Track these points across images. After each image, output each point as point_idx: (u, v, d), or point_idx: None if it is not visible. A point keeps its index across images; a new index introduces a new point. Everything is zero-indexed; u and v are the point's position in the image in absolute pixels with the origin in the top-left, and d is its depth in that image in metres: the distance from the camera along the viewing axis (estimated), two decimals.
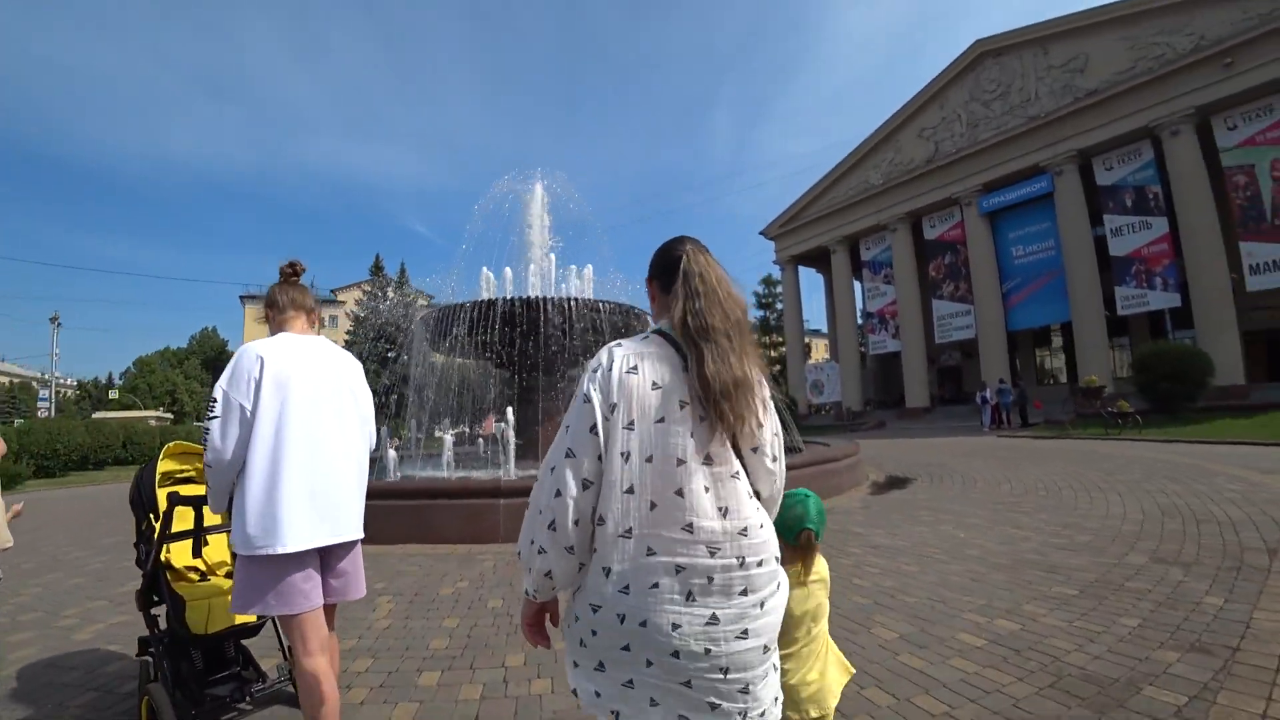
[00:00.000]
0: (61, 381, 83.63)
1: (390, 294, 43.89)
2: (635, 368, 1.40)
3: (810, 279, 41.37)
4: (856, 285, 37.97)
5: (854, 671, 2.08)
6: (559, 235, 13.59)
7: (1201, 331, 22.43)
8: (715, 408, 1.37)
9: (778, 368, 42.66)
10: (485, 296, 10.95)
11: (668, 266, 1.53)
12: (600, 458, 1.38)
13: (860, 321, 37.84)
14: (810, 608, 1.93)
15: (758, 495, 1.48)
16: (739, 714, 1.35)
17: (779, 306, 47.05)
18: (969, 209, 30.21)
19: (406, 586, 5.05)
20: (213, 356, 69.76)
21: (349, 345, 51.00)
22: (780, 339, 45.61)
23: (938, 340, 32.42)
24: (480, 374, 15.45)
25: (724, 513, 1.36)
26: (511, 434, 9.15)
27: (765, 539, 1.41)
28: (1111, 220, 25.74)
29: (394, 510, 6.84)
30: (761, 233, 40.07)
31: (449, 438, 10.27)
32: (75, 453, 21.10)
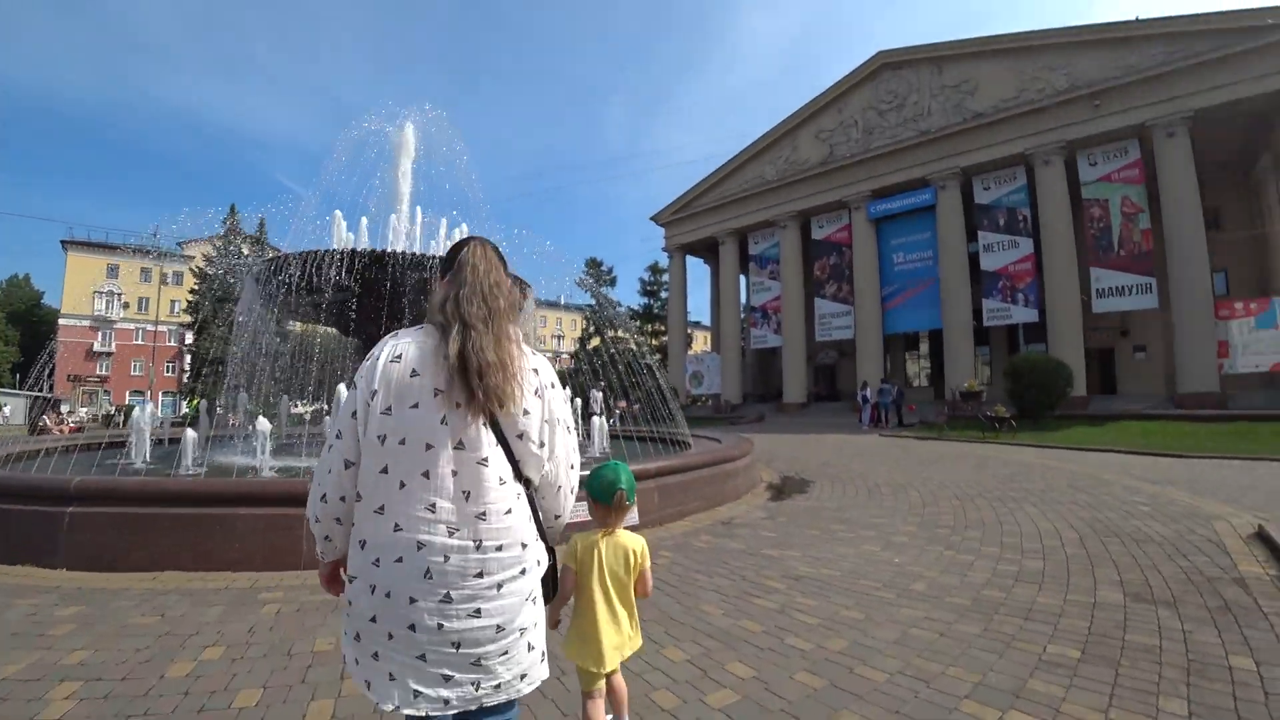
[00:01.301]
0: None
1: (245, 250, 39.37)
2: (399, 356, 1.50)
3: (696, 271, 41.65)
4: (742, 279, 38.59)
5: (640, 645, 2.31)
6: (434, 188, 11.96)
7: (1053, 346, 24.44)
8: (466, 390, 1.45)
9: (659, 357, 42.69)
10: (330, 246, 9.44)
11: (450, 261, 1.65)
12: (359, 440, 1.51)
13: (743, 315, 38.50)
14: (616, 564, 2.20)
15: (527, 481, 1.59)
16: (472, 685, 1.44)
17: (664, 295, 47.08)
18: (857, 213, 31.37)
19: (119, 659, 3.21)
20: (22, 310, 59.46)
21: (193, 306, 45.44)
22: (663, 328, 45.66)
23: (818, 338, 33.49)
24: (338, 342, 13.65)
25: (466, 496, 1.46)
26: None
27: (509, 525, 1.50)
28: (985, 237, 27.58)
29: (150, 522, 4.93)
30: (652, 218, 39.70)
31: (263, 421, 8.42)
32: None
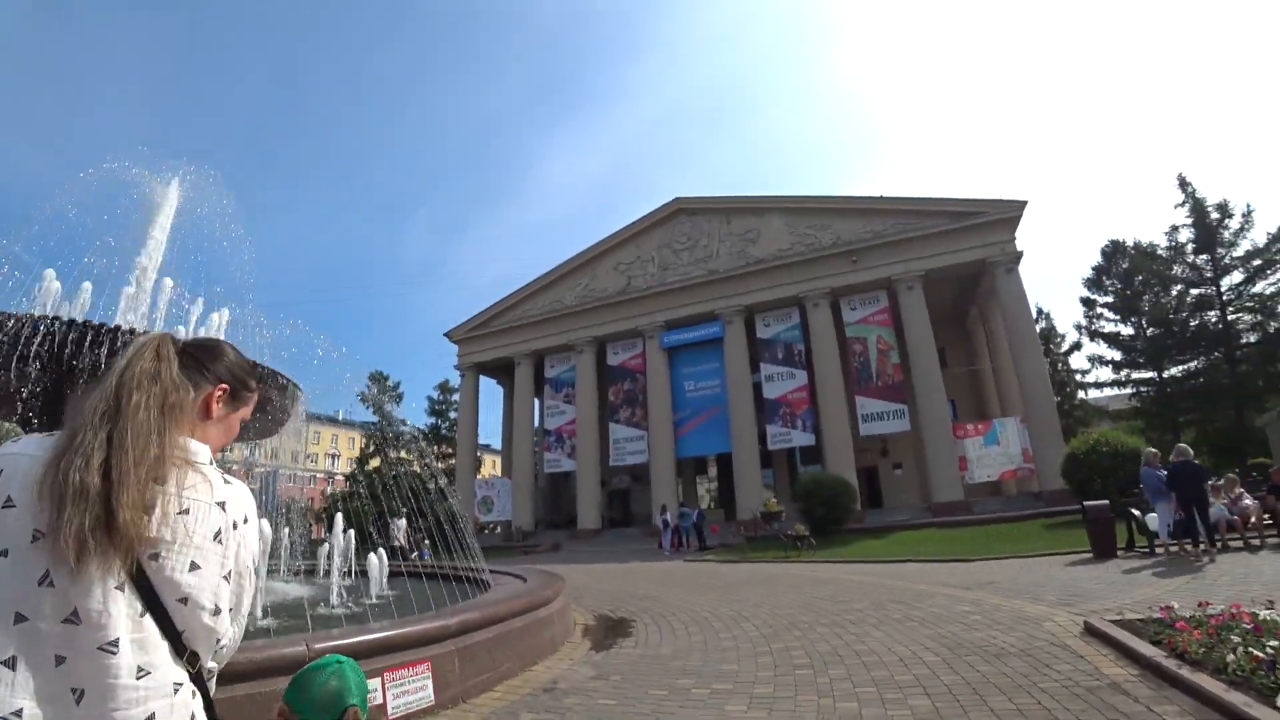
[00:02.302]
0: None
1: None
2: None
3: (488, 392, 40.41)
4: (536, 403, 38.08)
5: None
6: (197, 262, 9.50)
7: (830, 466, 26.50)
8: (81, 532, 0.97)
9: (445, 480, 39.88)
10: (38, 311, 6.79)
11: None
12: None
13: (536, 439, 37.64)
14: None
15: (193, 659, 1.13)
16: None
17: (453, 415, 44.81)
18: (651, 341, 32.82)
19: None
20: None
21: None
22: (451, 450, 43.03)
23: (612, 462, 33.42)
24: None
25: (78, 698, 0.98)
26: None
27: None
28: (766, 368, 30.08)
29: None
30: (447, 334, 38.42)
31: None
32: None
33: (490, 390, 41.08)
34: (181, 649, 1.11)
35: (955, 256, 27.51)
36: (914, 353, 27.15)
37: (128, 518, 1.00)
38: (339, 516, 10.02)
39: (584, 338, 34.61)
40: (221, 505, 1.15)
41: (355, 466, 42.24)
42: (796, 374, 29.42)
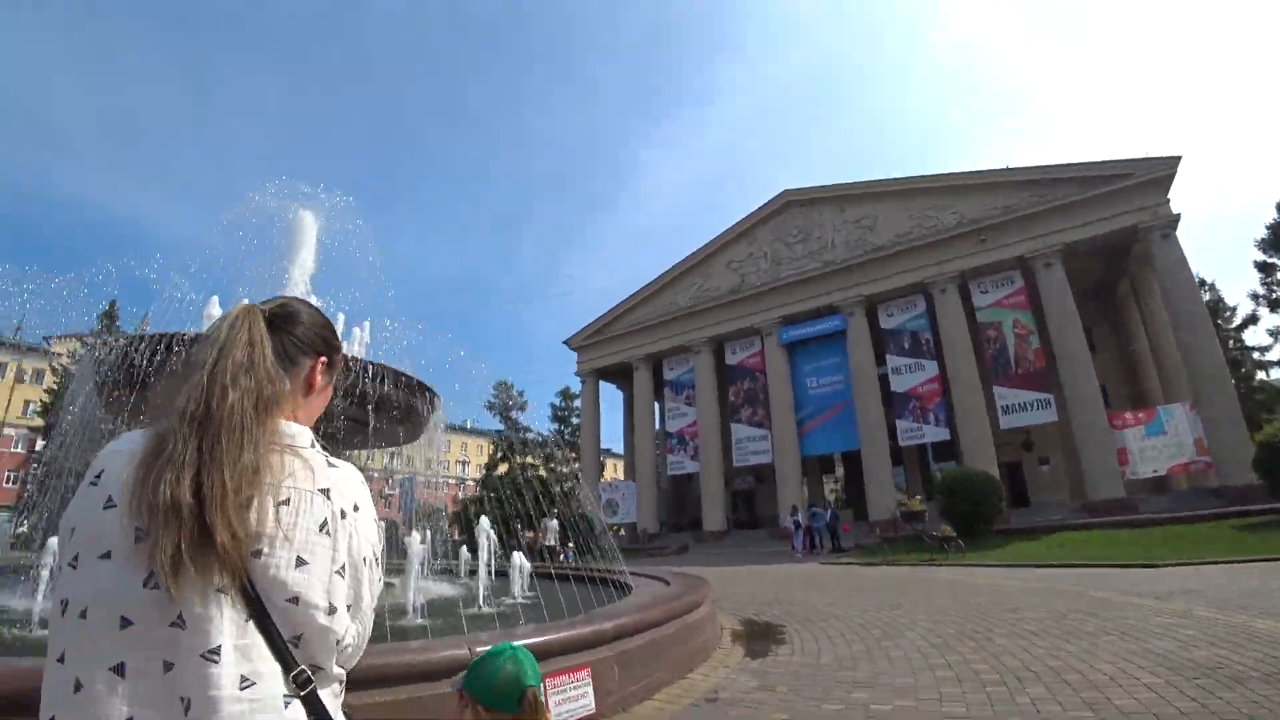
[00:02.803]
0: None
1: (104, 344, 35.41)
2: (100, 475, 1.01)
3: (609, 397, 41.13)
4: (656, 406, 38.33)
5: None
6: (337, 280, 10.30)
7: (967, 463, 24.92)
8: (177, 534, 0.92)
9: (575, 483, 41.01)
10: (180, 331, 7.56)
11: None
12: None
13: (657, 442, 37.89)
14: None
15: (310, 671, 1.01)
16: None
17: (575, 421, 46.04)
18: (769, 339, 32.20)
19: None
20: None
21: (47, 409, 40.18)
22: (575, 454, 44.23)
23: (735, 463, 33.07)
24: None
25: (186, 707, 0.91)
26: None
27: None
28: (893, 360, 28.74)
29: None
30: (566, 341, 39.42)
31: (54, 541, 6.31)
32: None
33: (611, 395, 41.81)
34: (292, 661, 1.01)
35: (1098, 226, 25.16)
36: (1057, 336, 25.06)
37: (225, 539, 0.94)
38: (484, 519, 10.13)
39: (700, 338, 34.45)
40: (325, 493, 1.06)
41: (485, 472, 44.09)
42: (926, 365, 27.94)
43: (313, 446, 1.11)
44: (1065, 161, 26.37)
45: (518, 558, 9.25)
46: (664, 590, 7.76)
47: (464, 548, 12.24)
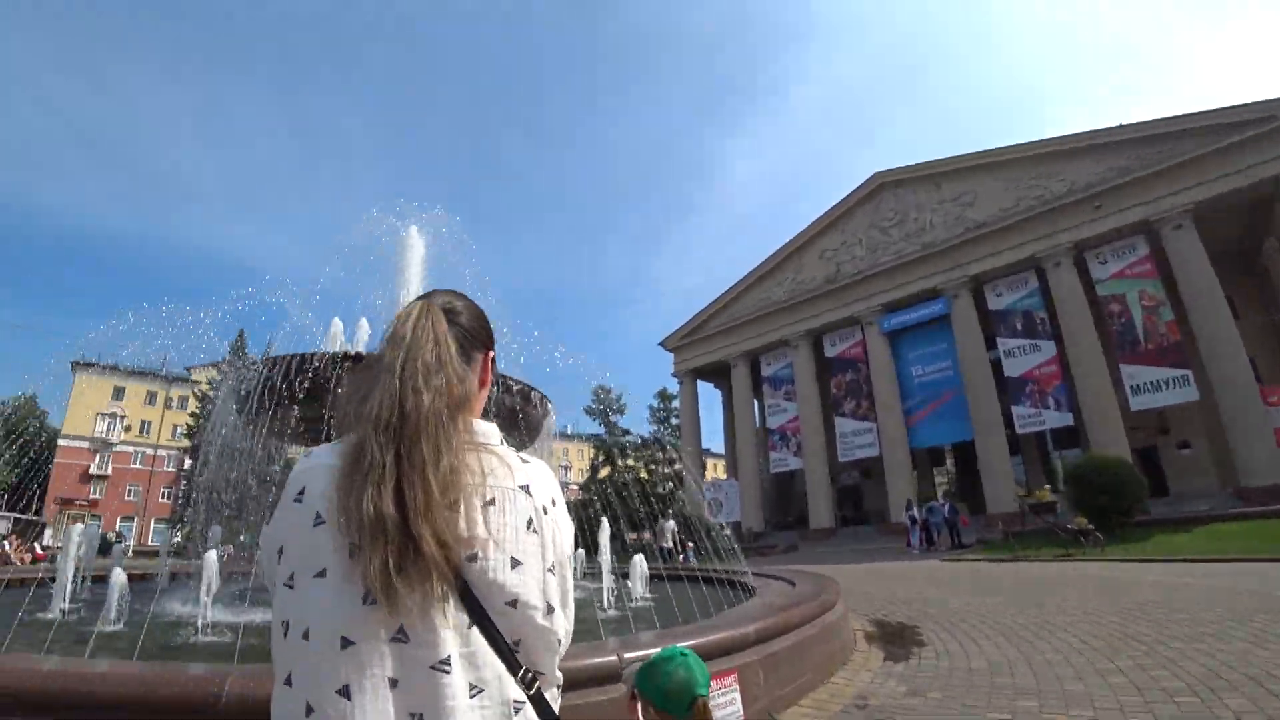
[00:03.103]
0: None
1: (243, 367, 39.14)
2: (302, 493, 1.00)
3: (707, 396, 40.96)
4: (755, 404, 37.81)
5: None
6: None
7: (1095, 450, 23.07)
8: (386, 545, 0.90)
9: (670, 485, 41.05)
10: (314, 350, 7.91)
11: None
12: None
13: (759, 439, 37.37)
14: None
15: (534, 674, 0.99)
16: None
17: (674, 421, 46.16)
18: (870, 328, 31.07)
19: None
20: (24, 429, 57.44)
21: (192, 431, 44.86)
22: (675, 455, 44.38)
23: (840, 458, 32.09)
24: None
25: None
26: None
27: None
28: (1004, 343, 27.04)
29: None
30: (661, 343, 39.62)
31: (210, 556, 6.70)
32: None
33: (709, 394, 41.63)
34: (516, 665, 0.99)
35: (1233, 180, 22.71)
36: (1193, 305, 22.77)
37: (433, 547, 0.92)
38: (605, 522, 10.30)
39: (798, 332, 33.71)
40: (526, 489, 1.04)
41: (588, 476, 44.86)
42: (1042, 346, 26.09)
43: (501, 443, 1.09)
44: (1189, 111, 23.77)
45: (639, 560, 9.13)
46: (798, 590, 7.38)
47: (579, 551, 12.55)
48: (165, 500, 56.24)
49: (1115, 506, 18.26)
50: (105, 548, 22.47)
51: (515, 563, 0.97)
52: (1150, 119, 24.85)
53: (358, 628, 0.90)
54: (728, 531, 34.83)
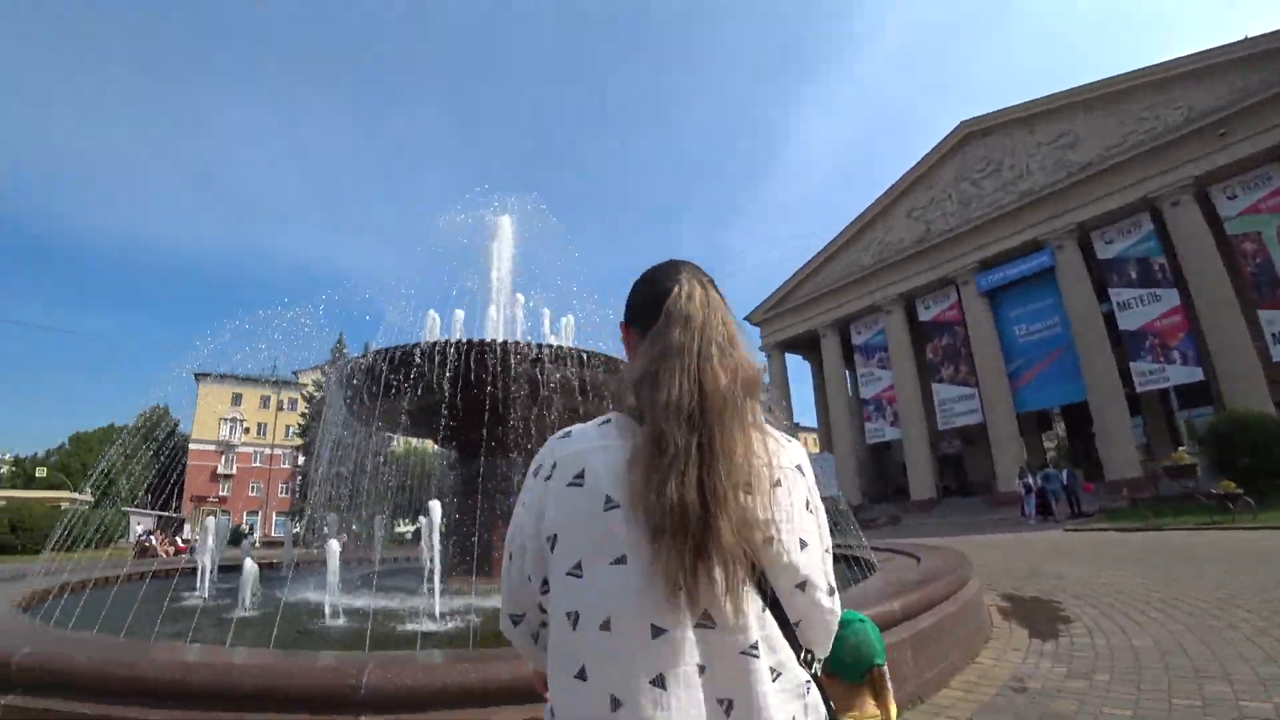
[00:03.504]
0: None
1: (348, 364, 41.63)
2: (581, 475, 0.95)
3: (796, 369, 40.05)
4: (846, 373, 36.60)
5: None
6: (532, 281, 10.51)
7: (1230, 406, 20.92)
8: (694, 529, 0.88)
9: None
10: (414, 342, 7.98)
11: (651, 304, 1.06)
12: (542, 606, 1.02)
13: (852, 410, 36.18)
14: None
15: (811, 654, 1.01)
16: None
17: (763, 398, 45.15)
18: (966, 288, 29.33)
19: None
20: (160, 438, 64.41)
21: (303, 429, 48.05)
22: None
23: (940, 426, 30.63)
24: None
25: (726, 709, 0.89)
26: (437, 541, 6.49)
27: None
28: (1118, 294, 24.92)
29: None
30: (746, 318, 38.88)
31: (333, 544, 6.82)
32: None
33: (799, 367, 40.70)
34: (798, 646, 0.99)
35: None
36: None
37: (733, 535, 0.89)
38: None
39: (889, 296, 32.28)
40: (799, 469, 1.02)
41: None
42: (1162, 295, 23.84)
43: (764, 421, 1.06)
44: None
45: None
46: (926, 565, 6.88)
47: None
48: (284, 495, 60.74)
49: (1263, 468, 16.46)
50: (236, 539, 24.33)
51: (803, 544, 0.97)
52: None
53: (667, 615, 0.88)
54: (843, 506, 34.14)
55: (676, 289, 1.04)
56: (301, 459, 48.74)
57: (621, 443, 0.96)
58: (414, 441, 15.67)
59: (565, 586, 0.93)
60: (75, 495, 36.85)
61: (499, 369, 7.18)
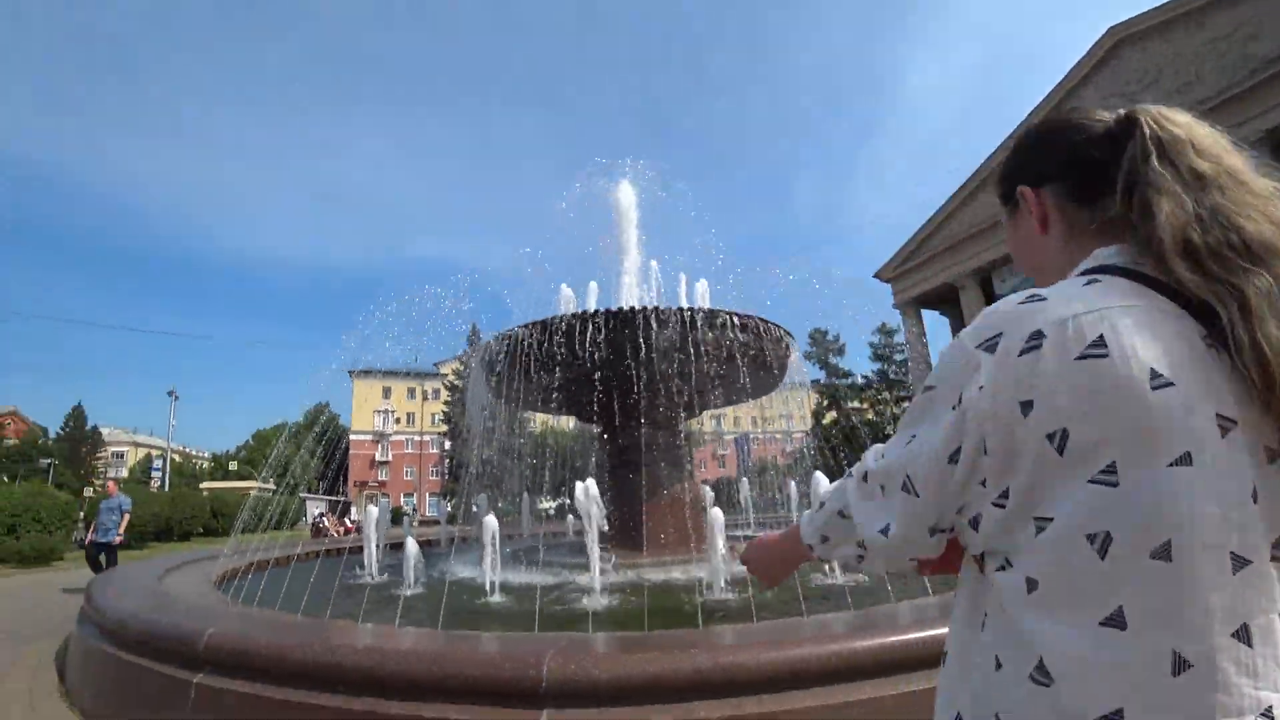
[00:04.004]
0: (196, 453, 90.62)
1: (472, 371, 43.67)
2: (1102, 341, 0.67)
3: (934, 327, 37.45)
4: None
5: None
6: (658, 249, 10.22)
7: None
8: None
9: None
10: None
11: (1084, 149, 0.85)
12: (962, 509, 0.77)
13: None
14: None
15: None
16: None
17: (898, 358, 42.61)
18: None
19: None
20: (324, 431, 71.87)
21: (447, 416, 51.39)
22: (903, 394, 41.39)
23: None
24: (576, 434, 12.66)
25: None
26: (596, 513, 6.22)
27: None
28: None
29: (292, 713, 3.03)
30: (876, 274, 36.68)
31: (490, 520, 6.45)
32: (151, 523, 20.56)
33: (936, 323, 38.14)
34: None
35: None
36: None
37: None
38: (817, 474, 9.86)
39: None
40: None
41: (813, 422, 43.43)
42: None
43: None
44: None
45: None
46: None
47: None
48: (434, 478, 65.51)
49: None
50: (396, 519, 26.21)
51: None
52: None
53: (1249, 539, 0.64)
54: None
55: (1143, 125, 0.81)
56: (448, 444, 51.96)
57: (1150, 306, 0.70)
58: (550, 422, 16.03)
59: (1086, 497, 0.67)
60: (261, 484, 41.34)
61: (647, 337, 6.93)
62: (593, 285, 9.63)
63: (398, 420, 72.94)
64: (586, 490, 6.21)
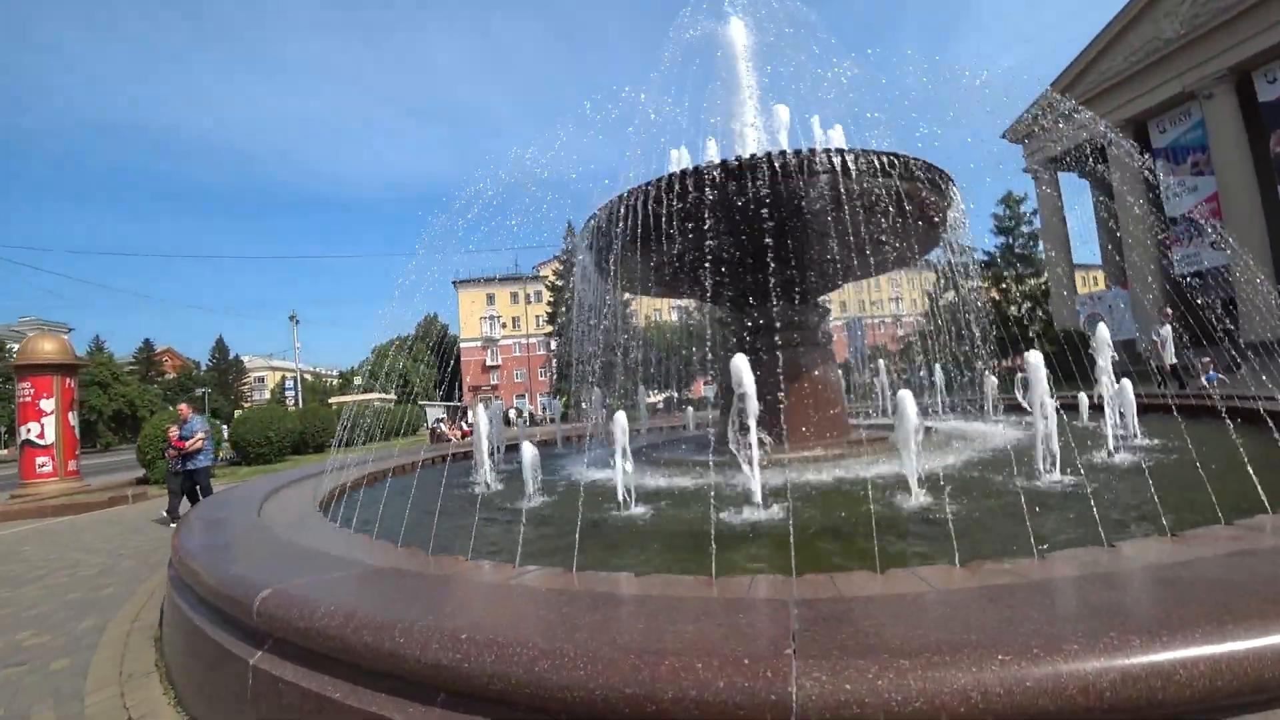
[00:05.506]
0: (325, 372, 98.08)
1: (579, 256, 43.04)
2: None
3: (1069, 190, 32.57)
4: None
5: None
6: (778, 95, 8.68)
7: None
8: None
9: (1028, 305, 34.55)
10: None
11: None
12: None
13: (1153, 232, 28.76)
14: None
15: None
16: None
17: (1024, 229, 36.18)
18: None
19: None
20: (436, 342, 76.40)
21: (551, 316, 52.55)
22: (1030, 270, 36.85)
23: None
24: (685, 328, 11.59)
25: None
26: (752, 406, 4.80)
27: None
28: None
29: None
30: (1004, 135, 31.77)
31: (620, 417, 5.66)
32: (286, 438, 21.43)
33: (1074, 186, 33.18)
34: None
35: None
36: None
37: None
38: (1034, 354, 6.36)
39: (1210, 74, 24.56)
40: None
41: (928, 304, 39.99)
42: None
43: None
44: None
45: (1126, 385, 6.41)
46: None
47: (991, 379, 11.34)
48: (543, 378, 70.01)
49: None
50: (506, 420, 26.50)
51: None
52: None
53: None
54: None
55: None
56: (554, 344, 52.96)
57: None
58: (653, 315, 15.01)
59: None
60: (385, 395, 43.53)
61: (785, 191, 5.83)
62: (711, 144, 8.58)
63: (503, 325, 77.23)
64: (736, 375, 4.95)
